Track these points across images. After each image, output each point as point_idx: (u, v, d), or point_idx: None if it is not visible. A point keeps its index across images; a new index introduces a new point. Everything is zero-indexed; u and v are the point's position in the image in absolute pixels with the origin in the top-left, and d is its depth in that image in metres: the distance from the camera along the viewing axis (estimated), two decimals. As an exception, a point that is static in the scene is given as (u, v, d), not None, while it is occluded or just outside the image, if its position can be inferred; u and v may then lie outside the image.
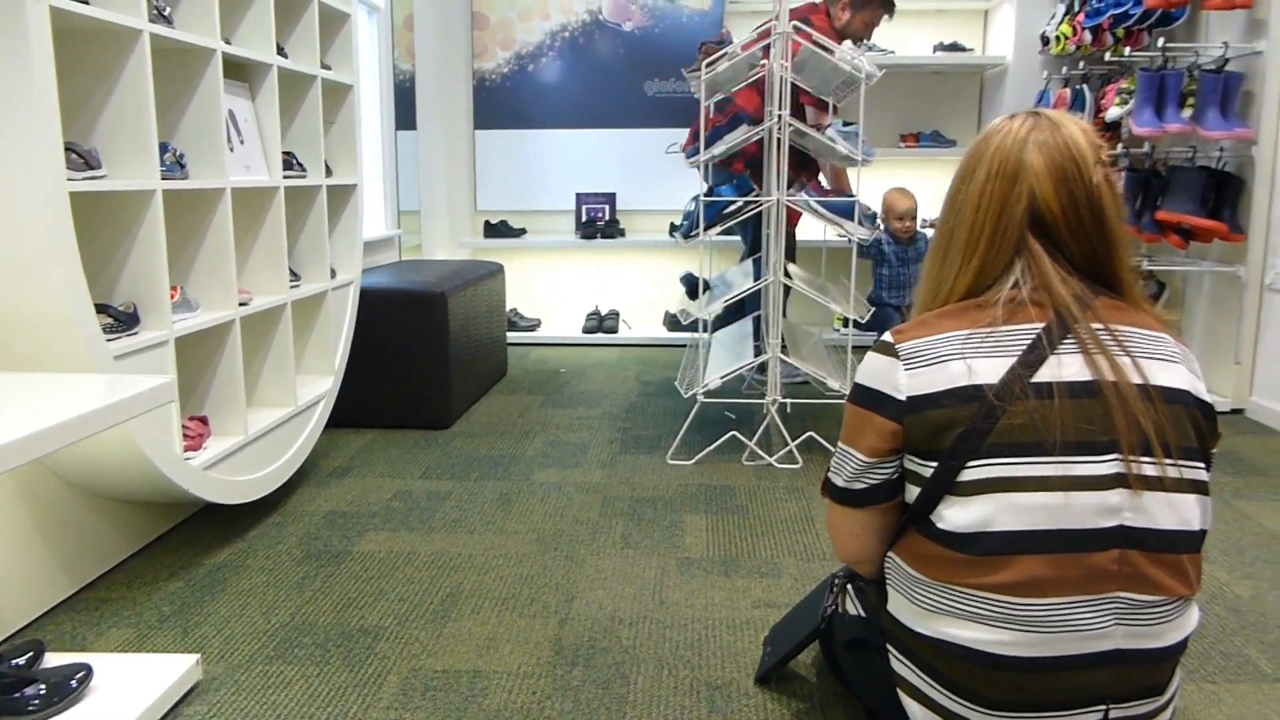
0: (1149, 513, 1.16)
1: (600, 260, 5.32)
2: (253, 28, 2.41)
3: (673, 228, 3.44)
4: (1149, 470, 1.14)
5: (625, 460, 3.13)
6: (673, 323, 5.10)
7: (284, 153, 2.70)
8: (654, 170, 5.21)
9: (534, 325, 5.22)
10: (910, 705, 1.31)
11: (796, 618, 1.71)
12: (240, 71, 2.49)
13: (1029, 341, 1.18)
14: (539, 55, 5.23)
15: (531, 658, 1.87)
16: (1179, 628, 1.21)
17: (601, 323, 5.17)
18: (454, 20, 5.18)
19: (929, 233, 4.41)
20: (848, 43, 2.97)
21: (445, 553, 2.39)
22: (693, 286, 3.51)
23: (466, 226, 5.32)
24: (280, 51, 2.66)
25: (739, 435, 3.14)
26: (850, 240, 2.98)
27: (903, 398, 1.21)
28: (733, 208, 3.01)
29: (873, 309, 3.82)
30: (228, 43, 2.37)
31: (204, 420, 2.27)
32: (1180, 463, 1.18)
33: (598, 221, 5.21)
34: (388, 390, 3.46)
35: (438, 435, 3.42)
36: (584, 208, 5.28)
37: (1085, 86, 4.11)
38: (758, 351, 3.90)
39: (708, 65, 2.90)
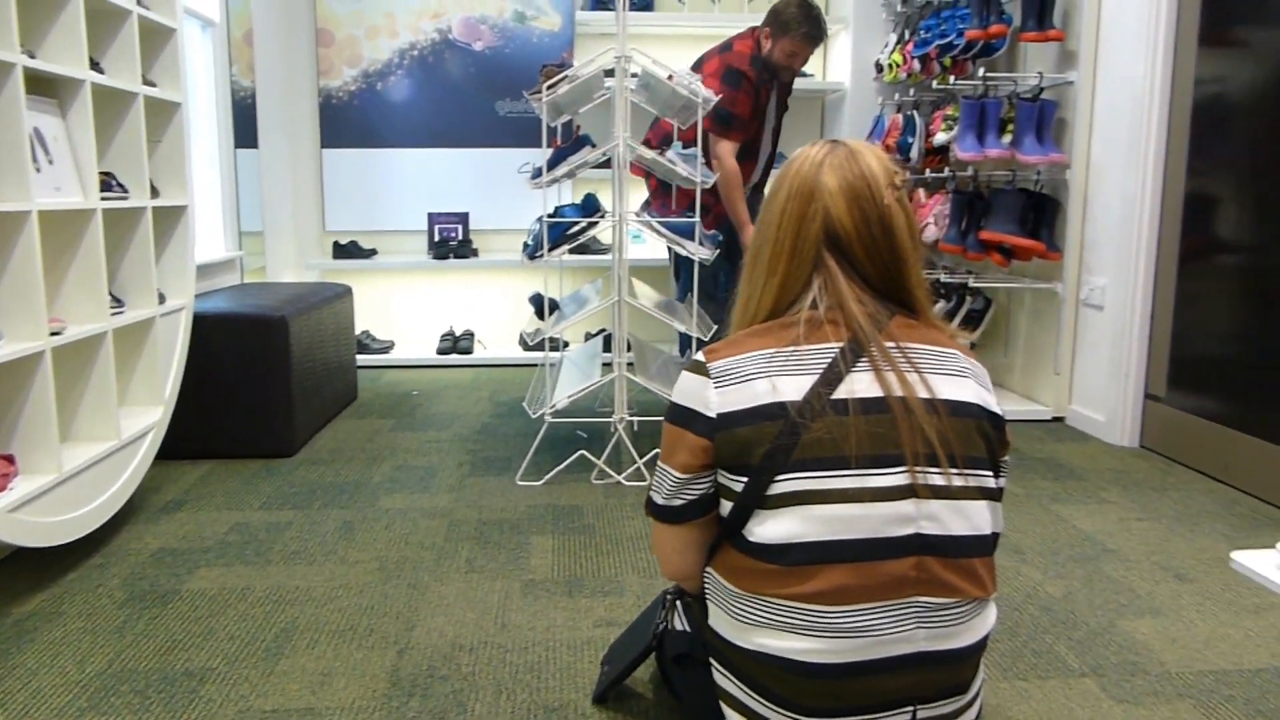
0: (941, 520, 1.21)
1: (454, 281, 5.26)
2: (61, 40, 2.29)
3: (557, 209, 3.42)
4: (936, 479, 1.20)
5: (474, 483, 3.09)
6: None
7: (102, 173, 2.57)
8: (507, 190, 5.19)
9: (387, 347, 5.11)
10: (732, 717, 1.33)
11: (632, 635, 1.73)
12: (49, 87, 2.36)
13: (828, 360, 1.23)
14: (387, 74, 5.15)
15: (367, 691, 1.82)
16: (976, 628, 1.27)
17: (456, 343, 5.11)
18: (297, 36, 5.05)
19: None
20: (684, 69, 3.03)
21: (282, 587, 2.31)
22: (541, 306, 3.50)
23: (315, 247, 5.17)
24: (95, 66, 2.54)
25: (587, 454, 3.14)
26: (696, 259, 3.03)
27: (713, 415, 1.25)
28: (576, 228, 3.03)
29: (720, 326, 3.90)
30: (31, 56, 2.24)
31: (9, 459, 2.13)
32: (967, 471, 1.23)
33: (450, 241, 5.14)
34: (227, 419, 3.33)
35: (281, 464, 3.30)
36: (436, 227, 5.21)
37: (916, 113, 4.31)
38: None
39: (549, 88, 2.90)
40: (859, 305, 1.26)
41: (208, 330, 3.24)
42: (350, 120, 5.16)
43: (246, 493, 3.00)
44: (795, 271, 1.30)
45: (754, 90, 3.55)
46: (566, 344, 3.57)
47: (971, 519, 1.23)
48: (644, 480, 3.07)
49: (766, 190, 1.37)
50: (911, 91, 4.51)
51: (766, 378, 1.23)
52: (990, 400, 1.30)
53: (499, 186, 5.18)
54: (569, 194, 5.04)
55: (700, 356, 1.30)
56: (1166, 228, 3.38)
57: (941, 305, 4.11)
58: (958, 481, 1.21)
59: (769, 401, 1.21)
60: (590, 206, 3.24)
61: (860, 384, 1.22)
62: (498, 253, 5.17)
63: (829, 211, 1.28)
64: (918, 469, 1.19)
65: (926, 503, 1.19)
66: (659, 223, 3.01)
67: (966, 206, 3.89)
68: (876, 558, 1.19)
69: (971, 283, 3.95)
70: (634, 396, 3.91)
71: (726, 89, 3.51)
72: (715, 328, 3.13)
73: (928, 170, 4.20)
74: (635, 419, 3.42)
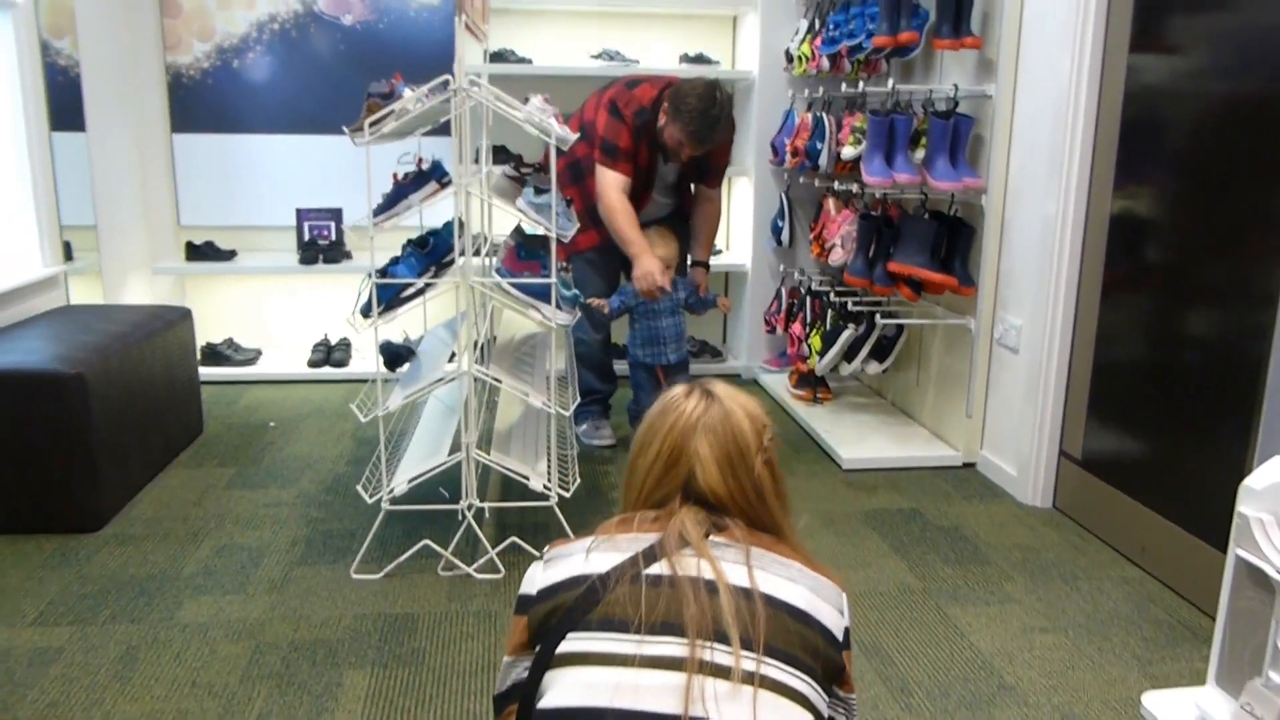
0: (728, 713, 1.13)
1: (328, 283, 4.77)
2: None
3: (408, 243, 3.00)
4: (721, 658, 1.16)
5: (302, 576, 2.69)
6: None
7: None
8: (386, 182, 4.67)
9: (253, 357, 4.63)
10: None
11: None
12: None
13: (649, 543, 1.26)
14: (244, 50, 4.57)
15: None
16: None
17: (330, 354, 4.65)
18: (138, 4, 4.44)
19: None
20: (535, 100, 2.59)
21: (16, 771, 1.89)
22: (394, 357, 3.08)
23: (167, 248, 4.63)
24: None
25: (432, 544, 2.75)
26: (551, 326, 2.62)
27: (534, 592, 1.28)
28: (410, 290, 2.60)
29: (629, 364, 3.52)
30: None
31: None
32: (769, 661, 1.18)
33: (320, 241, 4.64)
34: (19, 490, 2.86)
35: (83, 543, 2.86)
36: (306, 224, 4.70)
37: (826, 115, 3.90)
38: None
39: (372, 125, 2.44)
40: (697, 530, 1.28)
41: (-15, 395, 2.76)
42: (205, 102, 4.59)
43: (25, 594, 2.56)
44: (651, 520, 1.32)
45: (631, 140, 3.30)
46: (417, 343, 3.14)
47: (776, 715, 1.14)
48: (498, 572, 2.70)
49: (640, 433, 1.36)
50: (821, 90, 4.09)
51: (584, 553, 1.27)
52: (830, 619, 1.25)
53: (377, 178, 4.66)
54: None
55: (547, 548, 1.35)
56: (1089, 257, 3.07)
57: (850, 332, 3.77)
58: (749, 667, 1.15)
59: (577, 574, 1.24)
60: (437, 249, 2.80)
61: (681, 566, 1.23)
62: (380, 250, 4.68)
63: (696, 476, 1.31)
64: (700, 641, 1.16)
65: (707, 682, 1.14)
66: (511, 283, 2.58)
67: (874, 233, 3.53)
68: None
69: (879, 317, 3.60)
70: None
71: (611, 120, 3.30)
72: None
73: (837, 181, 3.81)
74: (488, 505, 3.03)
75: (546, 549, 1.34)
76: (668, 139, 3.31)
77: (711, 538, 1.27)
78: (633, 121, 3.31)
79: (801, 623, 1.22)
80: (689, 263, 3.62)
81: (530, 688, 1.22)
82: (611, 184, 3.31)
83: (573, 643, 1.19)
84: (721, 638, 1.17)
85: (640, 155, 3.37)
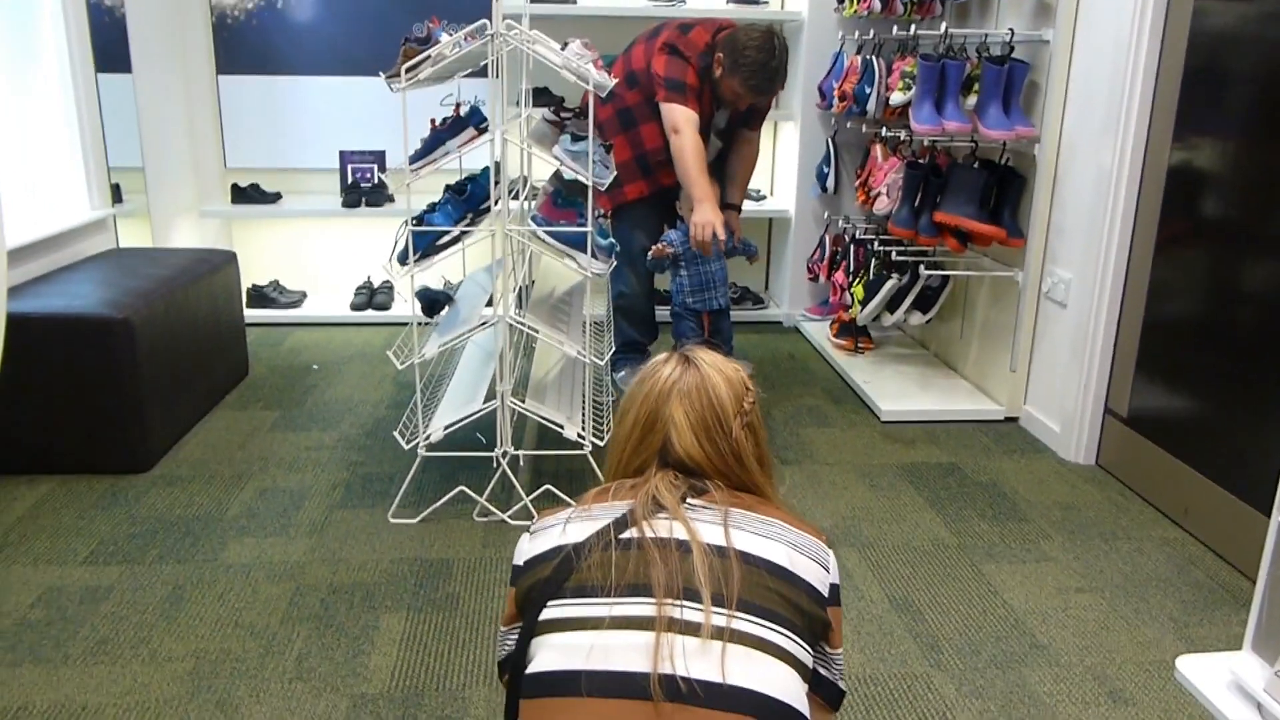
0: (698, 667, 1.14)
1: (372, 227, 4.79)
2: None
3: (447, 188, 3.01)
4: (692, 615, 1.16)
5: (341, 519, 2.74)
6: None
7: None
8: (426, 126, 4.65)
9: (298, 300, 4.68)
10: None
11: None
12: None
13: (622, 511, 1.26)
14: (288, -9, 4.55)
15: None
16: None
17: (373, 297, 4.68)
18: (182, -54, 4.43)
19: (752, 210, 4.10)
20: (574, 45, 2.54)
21: (68, 704, 1.96)
22: (432, 303, 3.09)
23: (213, 190, 4.67)
24: None
25: (468, 490, 2.78)
26: (587, 274, 2.60)
27: (521, 563, 1.29)
28: (447, 238, 2.59)
29: (672, 313, 3.50)
30: None
31: None
32: (743, 616, 1.17)
33: (363, 185, 4.65)
34: (68, 431, 2.94)
35: (132, 483, 2.93)
36: (349, 167, 4.70)
37: (875, 58, 3.80)
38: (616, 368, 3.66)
39: (408, 71, 2.41)
40: (669, 484, 1.29)
41: (29, 334, 2.81)
42: (249, 43, 4.58)
43: (77, 533, 2.64)
44: (628, 489, 1.33)
45: (697, 80, 3.24)
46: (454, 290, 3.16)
47: (749, 673, 1.14)
48: (532, 519, 2.72)
49: (621, 403, 1.36)
50: (871, 32, 3.98)
51: (562, 524, 1.28)
52: (813, 575, 1.25)
53: (418, 120, 4.64)
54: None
55: (538, 517, 1.37)
56: (1144, 211, 2.97)
57: (893, 282, 3.71)
58: (719, 622, 1.15)
59: (554, 545, 1.26)
60: (475, 195, 2.79)
61: (654, 529, 1.24)
62: (418, 194, 4.68)
63: (672, 442, 1.31)
64: (669, 600, 1.17)
65: (676, 640, 1.14)
66: (546, 232, 2.56)
67: (921, 182, 3.45)
68: (613, 694, 1.13)
69: (924, 268, 3.53)
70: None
71: (673, 59, 3.22)
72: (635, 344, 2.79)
73: (885, 127, 3.72)
74: (521, 453, 3.05)
75: (534, 520, 1.36)
76: (725, 91, 3.25)
77: (689, 501, 1.27)
78: (697, 63, 3.24)
79: (781, 579, 1.21)
80: (721, 205, 3.57)
81: (519, 655, 1.24)
82: (685, 119, 3.21)
83: (551, 610, 1.21)
84: (692, 595, 1.17)
85: (704, 99, 3.30)
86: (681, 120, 3.22)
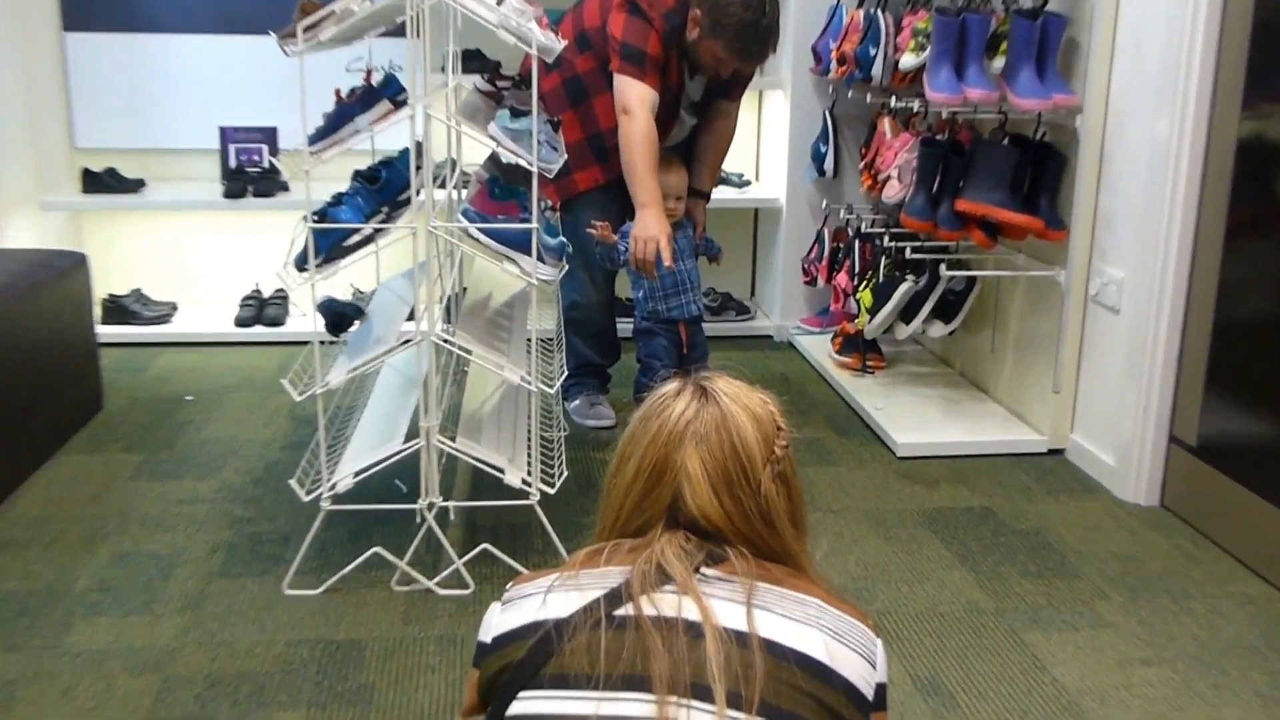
0: None
1: (260, 222, 4.73)
2: None
3: (356, 175, 2.97)
4: (701, 717, 1.15)
5: (223, 591, 2.69)
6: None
7: None
8: (329, 97, 4.62)
9: (166, 314, 4.62)
10: None
11: None
12: None
13: (619, 581, 1.25)
14: (153, -71, 4.51)
15: None
16: None
17: (262, 310, 4.64)
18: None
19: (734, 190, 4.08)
20: (513, 1, 2.52)
21: None
22: (338, 318, 3.05)
23: (58, 176, 4.58)
24: None
25: (383, 552, 2.73)
26: (532, 281, 2.58)
27: (489, 639, 1.29)
28: (357, 237, 2.56)
29: (639, 326, 3.50)
30: None
31: None
32: None
33: (250, 170, 4.61)
34: None
35: (-46, 549, 2.85)
36: (232, 148, 4.67)
37: (881, 13, 3.83)
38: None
39: (306, 30, 2.38)
40: (678, 549, 1.28)
41: None
42: (105, -7, 4.54)
43: (-117, 616, 2.55)
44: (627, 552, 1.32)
45: (661, 48, 3.25)
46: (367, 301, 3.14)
47: None
48: (465, 588, 2.68)
49: (620, 445, 1.36)
50: (876, -20, 4.01)
51: (542, 594, 1.27)
52: (855, 672, 1.23)
53: (317, 94, 4.60)
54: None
55: (510, 585, 1.35)
56: (1210, 193, 3.01)
57: (908, 285, 3.73)
58: None
59: (532, 620, 1.25)
60: (391, 184, 2.76)
61: (657, 605, 1.22)
62: (320, 181, 4.63)
63: (684, 497, 1.30)
64: (672, 699, 1.15)
65: None
66: (480, 229, 2.55)
67: (940, 163, 3.49)
68: None
69: (944, 268, 3.55)
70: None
71: (633, 20, 3.21)
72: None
73: (894, 96, 3.74)
74: (453, 505, 3.01)
75: (509, 586, 1.33)
76: (703, 56, 3.26)
77: (703, 571, 1.26)
78: (661, 25, 3.24)
79: (815, 677, 1.20)
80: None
81: None
82: (639, 99, 3.20)
83: (524, 703, 1.19)
84: (702, 693, 1.15)
85: (671, 69, 3.30)
86: (634, 99, 3.21)
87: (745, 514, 1.30)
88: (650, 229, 3.18)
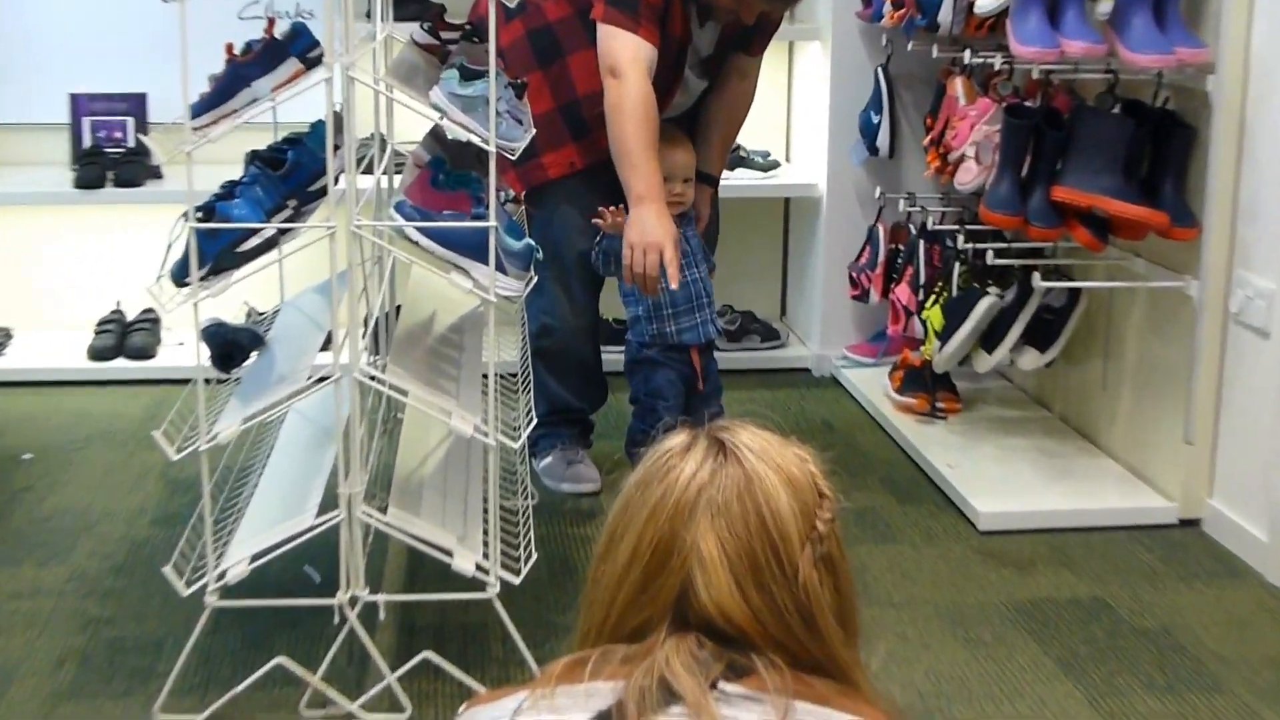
0: None
1: (124, 220, 4.80)
2: None
3: (253, 159, 3.02)
4: None
5: (74, 716, 2.71)
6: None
7: None
8: (215, 54, 4.68)
9: (-2, 344, 4.67)
10: None
11: None
12: None
13: (606, 704, 1.25)
14: None
15: None
16: None
17: (126, 338, 4.69)
18: None
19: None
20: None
21: None
22: (229, 348, 3.08)
23: None
24: None
25: (288, 664, 2.74)
26: (489, 298, 2.62)
27: None
28: (256, 239, 2.61)
29: (636, 357, 3.55)
30: None
31: None
32: None
33: (109, 150, 4.69)
34: None
35: None
36: (86, 122, 4.76)
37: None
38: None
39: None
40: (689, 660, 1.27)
41: None
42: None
43: None
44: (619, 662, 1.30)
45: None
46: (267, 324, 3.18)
47: None
48: (400, 711, 2.70)
49: (610, 516, 1.36)
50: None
51: (507, 719, 1.27)
52: None
53: (208, 49, 4.67)
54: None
55: (465, 705, 1.37)
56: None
57: (991, 301, 3.75)
58: None
59: None
60: (300, 170, 2.80)
61: None
62: (207, 168, 4.69)
63: (696, 589, 1.28)
64: None
65: None
66: (419, 229, 2.59)
67: (1029, 139, 3.53)
68: None
69: (1038, 279, 3.58)
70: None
71: None
72: None
73: (969, 50, 3.79)
74: (384, 599, 3.02)
75: (461, 710, 1.34)
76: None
77: (722, 687, 1.25)
78: None
79: None
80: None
81: None
82: (630, 57, 3.24)
83: None
84: None
85: (673, 16, 3.35)
86: (624, 57, 3.25)
87: (778, 611, 1.28)
88: (651, 232, 3.20)
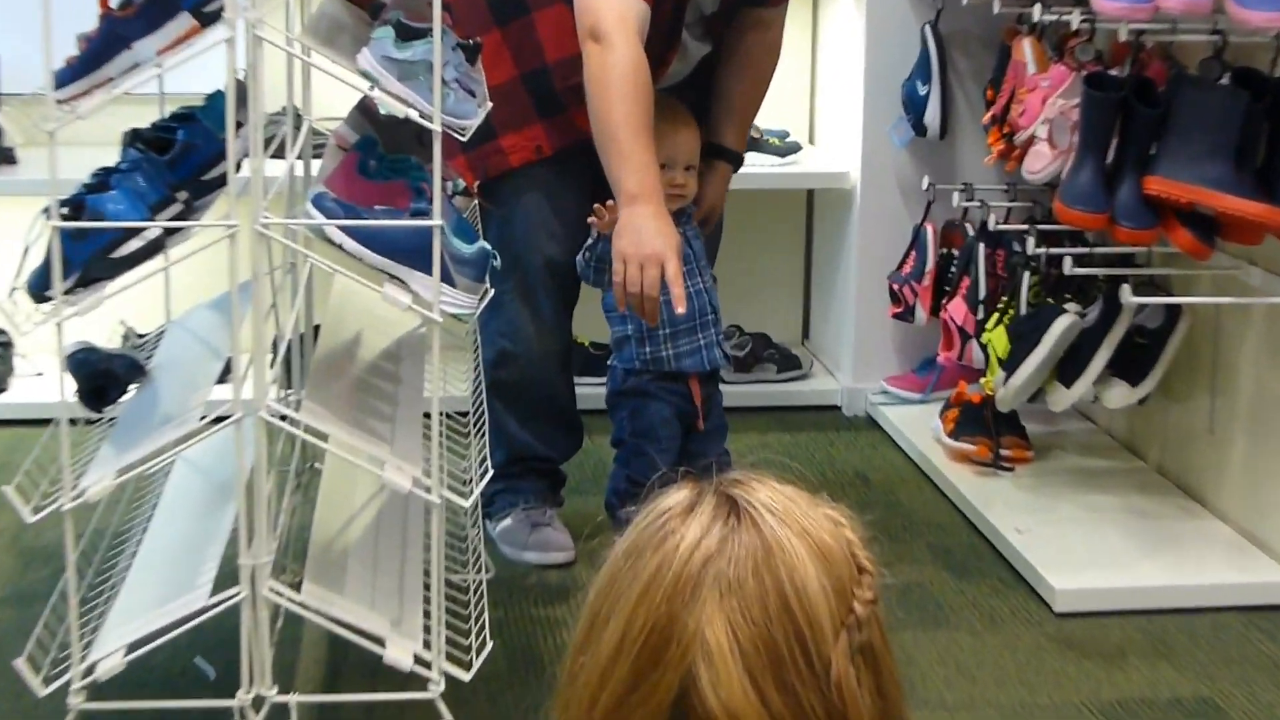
0: None
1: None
2: None
3: (133, 139, 3.03)
4: None
5: None
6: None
7: None
8: (89, 10, 4.73)
9: None
10: None
11: None
12: None
13: None
14: None
15: None
16: None
17: (-26, 365, 4.69)
18: None
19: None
20: None
21: None
22: (101, 379, 3.07)
23: None
24: None
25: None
26: (433, 316, 2.61)
27: None
28: (136, 242, 2.60)
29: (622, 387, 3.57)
30: None
31: None
32: None
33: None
34: None
35: None
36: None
37: None
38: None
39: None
40: None
41: None
42: None
43: None
44: None
45: None
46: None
47: None
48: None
49: (592, 593, 1.35)
50: None
51: None
52: None
53: (68, 6, 4.73)
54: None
55: None
56: None
57: (1069, 320, 3.75)
58: None
59: None
60: (192, 155, 2.79)
61: None
62: (75, 149, 4.72)
63: (700, 686, 1.26)
64: None
65: None
66: (343, 229, 2.58)
67: (1115, 117, 3.55)
68: None
69: (1128, 293, 3.58)
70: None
71: None
72: None
73: (1038, 5, 3.80)
74: (299, 699, 3.01)
75: None
76: None
77: None
78: None
79: None
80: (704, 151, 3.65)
81: None
82: (616, 16, 3.24)
83: None
84: None
85: None
86: (609, 18, 3.26)
87: (804, 717, 1.30)
88: (648, 241, 3.17)
